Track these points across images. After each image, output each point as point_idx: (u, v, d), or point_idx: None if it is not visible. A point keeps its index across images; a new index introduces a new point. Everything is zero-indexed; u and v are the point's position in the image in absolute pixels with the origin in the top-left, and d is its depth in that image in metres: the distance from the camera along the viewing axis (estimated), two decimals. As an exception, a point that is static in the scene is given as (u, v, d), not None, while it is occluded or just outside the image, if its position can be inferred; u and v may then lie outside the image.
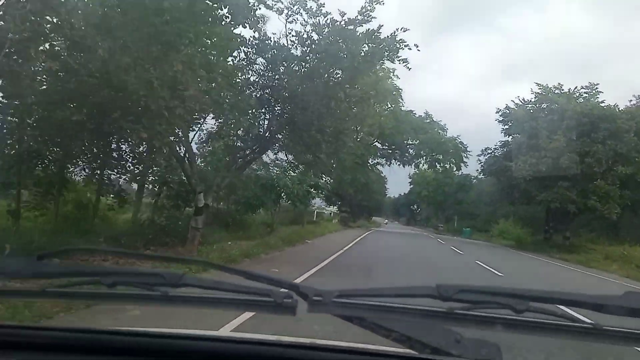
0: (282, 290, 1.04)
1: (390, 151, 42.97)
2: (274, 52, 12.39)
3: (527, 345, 3.74)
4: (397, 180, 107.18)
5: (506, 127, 31.96)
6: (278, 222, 27.17)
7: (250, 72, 12.93)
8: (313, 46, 11.76)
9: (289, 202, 23.80)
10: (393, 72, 37.59)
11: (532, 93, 29.97)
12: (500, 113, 31.72)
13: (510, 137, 32.70)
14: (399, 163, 44.48)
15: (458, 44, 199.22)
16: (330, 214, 51.18)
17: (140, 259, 6.62)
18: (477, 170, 39.70)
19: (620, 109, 28.13)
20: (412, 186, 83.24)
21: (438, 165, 43.47)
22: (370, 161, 39.86)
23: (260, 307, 1.04)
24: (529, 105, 30.32)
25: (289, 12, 11.98)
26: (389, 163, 45.59)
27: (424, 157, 42.34)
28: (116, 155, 10.53)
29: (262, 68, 12.82)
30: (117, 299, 1.20)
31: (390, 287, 1.05)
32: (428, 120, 41.76)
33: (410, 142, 41.60)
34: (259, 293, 1.04)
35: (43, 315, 4.28)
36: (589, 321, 0.99)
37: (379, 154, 42.47)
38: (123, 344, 1.14)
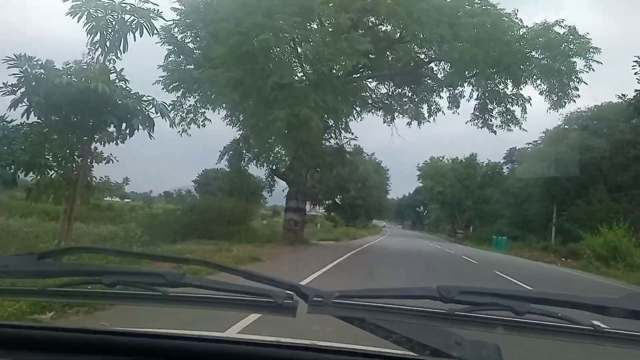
0: (283, 290, 1.05)
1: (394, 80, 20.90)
2: None
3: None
4: (401, 179, 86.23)
5: None
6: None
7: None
8: None
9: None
10: None
11: None
12: None
13: None
14: (410, 119, 22.59)
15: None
16: (316, 224, 37.20)
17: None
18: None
19: None
20: (420, 182, 64.17)
21: (506, 110, 18.87)
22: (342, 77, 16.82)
23: (260, 307, 1.06)
24: None
25: None
26: (389, 118, 23.82)
27: (472, 81, 18.28)
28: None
29: None
30: (117, 299, 1.23)
31: (391, 289, 1.08)
32: (478, 2, 16.77)
33: (439, 51, 19.22)
34: (259, 294, 1.05)
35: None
36: (591, 322, 1.00)
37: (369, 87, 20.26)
38: (120, 344, 1.11)
